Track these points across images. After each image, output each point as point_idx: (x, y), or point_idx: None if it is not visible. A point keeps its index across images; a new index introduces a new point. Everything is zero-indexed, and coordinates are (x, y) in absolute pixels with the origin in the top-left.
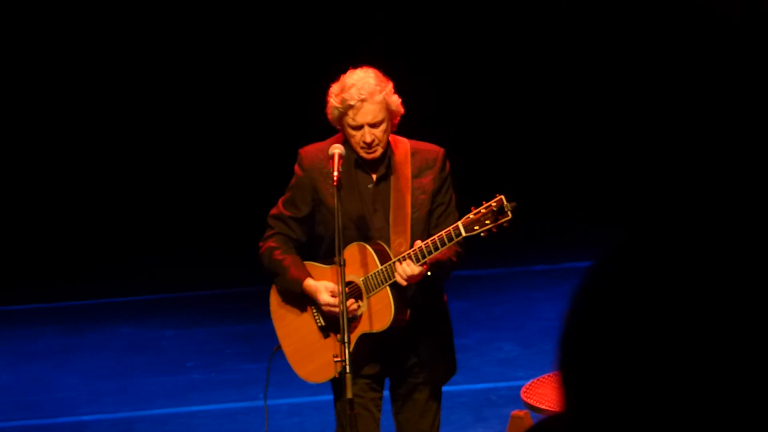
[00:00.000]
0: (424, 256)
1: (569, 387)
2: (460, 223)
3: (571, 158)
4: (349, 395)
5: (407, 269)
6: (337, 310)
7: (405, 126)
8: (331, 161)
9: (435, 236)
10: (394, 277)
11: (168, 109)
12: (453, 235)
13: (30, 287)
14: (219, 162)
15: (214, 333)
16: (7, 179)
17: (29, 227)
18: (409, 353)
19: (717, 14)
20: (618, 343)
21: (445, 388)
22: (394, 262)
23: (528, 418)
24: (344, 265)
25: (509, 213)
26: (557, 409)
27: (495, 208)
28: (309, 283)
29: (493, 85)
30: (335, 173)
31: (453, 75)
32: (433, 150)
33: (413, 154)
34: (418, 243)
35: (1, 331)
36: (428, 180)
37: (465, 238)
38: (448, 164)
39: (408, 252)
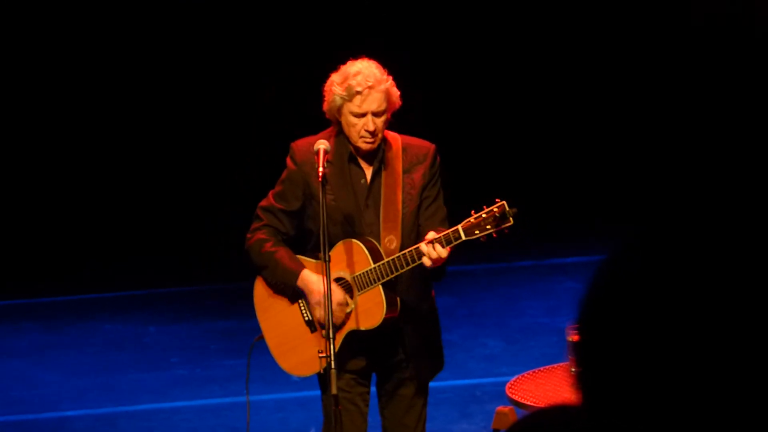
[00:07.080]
0: (447, 243)
1: (585, 381)
2: (460, 227)
3: (555, 155)
4: (334, 391)
5: (433, 253)
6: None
7: (403, 122)
8: (316, 157)
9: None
10: (388, 275)
11: (149, 109)
12: (452, 238)
13: (9, 283)
14: (200, 159)
15: (197, 329)
16: None
17: (10, 223)
18: (396, 349)
19: (719, 15)
20: (633, 338)
21: (430, 384)
22: (417, 247)
23: (513, 414)
24: (329, 261)
25: (511, 219)
26: (542, 405)
27: (497, 214)
28: (306, 275)
29: (487, 82)
30: (320, 169)
31: (449, 73)
32: (424, 146)
33: (404, 149)
34: (432, 234)
35: None
36: (418, 175)
37: (464, 241)
38: (438, 159)
39: (439, 236)
